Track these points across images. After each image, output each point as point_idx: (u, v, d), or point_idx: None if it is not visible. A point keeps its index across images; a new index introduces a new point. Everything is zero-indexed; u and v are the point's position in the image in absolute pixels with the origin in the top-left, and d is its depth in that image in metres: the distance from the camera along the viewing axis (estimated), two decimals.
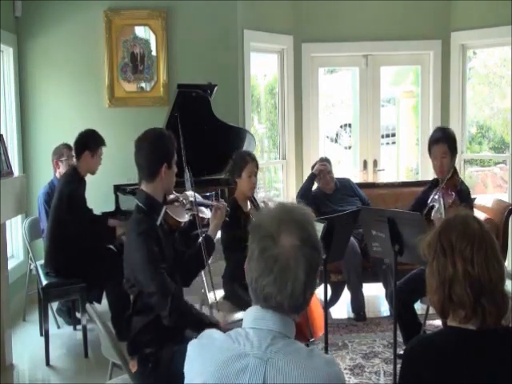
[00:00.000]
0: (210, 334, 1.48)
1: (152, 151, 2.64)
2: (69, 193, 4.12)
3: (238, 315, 3.46)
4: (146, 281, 2.52)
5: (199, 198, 3.13)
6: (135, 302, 2.65)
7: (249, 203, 3.87)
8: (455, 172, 3.85)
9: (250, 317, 1.44)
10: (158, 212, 2.66)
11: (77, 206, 4.16)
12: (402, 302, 3.54)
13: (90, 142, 4.27)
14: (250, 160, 3.86)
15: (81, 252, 4.17)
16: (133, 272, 2.58)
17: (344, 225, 3.25)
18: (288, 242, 1.40)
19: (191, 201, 3.00)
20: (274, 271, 1.38)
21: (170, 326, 2.57)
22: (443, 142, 3.84)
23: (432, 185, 4.00)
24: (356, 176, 6.17)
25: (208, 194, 3.94)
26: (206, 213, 3.12)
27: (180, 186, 3.24)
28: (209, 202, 3.10)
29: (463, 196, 3.70)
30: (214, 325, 2.59)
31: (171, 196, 2.96)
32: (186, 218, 3.00)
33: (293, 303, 1.41)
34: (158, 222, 2.66)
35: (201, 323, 2.59)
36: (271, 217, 1.45)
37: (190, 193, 3.14)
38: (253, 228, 1.47)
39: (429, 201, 3.76)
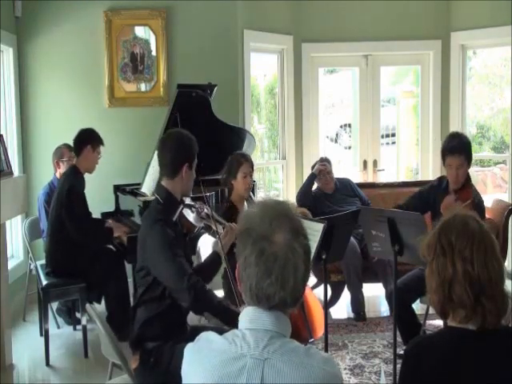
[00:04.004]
0: (207, 336, 1.47)
1: (176, 149, 2.72)
2: (68, 187, 4.12)
3: None
4: (165, 262, 2.54)
5: (215, 215, 3.15)
6: (143, 293, 2.67)
7: (246, 204, 3.86)
8: (469, 179, 3.77)
9: (246, 318, 1.44)
10: (174, 208, 2.73)
11: (76, 200, 4.15)
12: (400, 302, 3.53)
13: (91, 138, 4.30)
14: (244, 161, 3.88)
15: (81, 252, 4.18)
16: (149, 259, 2.60)
17: (344, 225, 3.25)
18: (282, 237, 1.40)
19: (206, 212, 3.04)
20: (274, 270, 1.38)
21: (190, 306, 2.58)
22: (460, 152, 3.67)
23: (439, 186, 3.90)
24: (356, 176, 6.17)
25: (208, 194, 3.93)
26: (220, 228, 3.14)
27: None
28: (223, 221, 3.11)
29: (479, 210, 3.49)
30: (230, 314, 2.58)
31: (189, 201, 2.99)
32: (200, 224, 3.03)
33: (295, 296, 1.42)
34: (174, 218, 2.72)
35: (221, 308, 2.60)
36: (259, 217, 1.43)
37: (206, 207, 3.17)
38: (241, 234, 1.44)
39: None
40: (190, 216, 2.97)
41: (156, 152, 4.40)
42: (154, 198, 2.80)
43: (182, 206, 2.80)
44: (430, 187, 4.00)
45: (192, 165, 2.75)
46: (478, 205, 3.62)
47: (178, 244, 2.64)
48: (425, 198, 3.93)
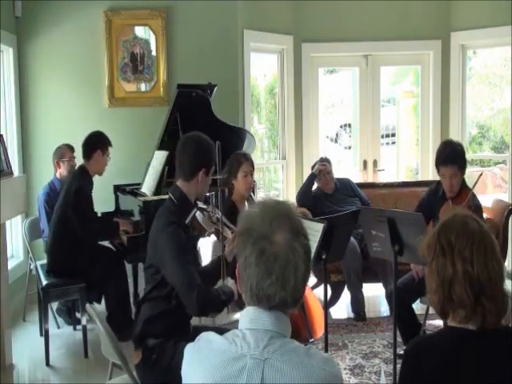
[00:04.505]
0: (207, 336, 1.47)
1: (197, 152, 2.72)
2: (76, 188, 4.14)
3: (238, 315, 3.46)
4: (176, 268, 2.55)
5: (225, 219, 3.16)
6: (151, 290, 2.68)
7: (246, 204, 3.86)
8: (465, 185, 3.76)
9: (246, 318, 1.44)
10: (188, 210, 2.74)
11: (84, 201, 4.16)
12: (400, 302, 3.53)
13: (101, 142, 4.33)
14: (244, 160, 3.88)
15: (81, 252, 4.18)
16: (160, 260, 2.61)
17: (344, 225, 3.25)
18: (282, 237, 1.39)
19: (217, 217, 3.04)
20: (275, 270, 1.38)
21: (196, 314, 2.64)
22: (452, 162, 3.66)
23: (437, 192, 3.89)
24: (356, 176, 6.17)
25: (208, 194, 3.93)
26: (228, 233, 3.14)
27: None
28: (232, 226, 3.12)
29: (477, 214, 3.51)
30: (230, 298, 2.66)
31: (201, 204, 2.99)
32: (210, 228, 3.03)
33: (295, 296, 1.41)
34: (187, 221, 2.73)
35: (220, 303, 2.66)
36: (259, 217, 1.43)
37: (217, 211, 3.17)
38: (242, 234, 1.44)
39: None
40: (202, 219, 2.97)
41: (155, 152, 4.42)
42: (167, 197, 2.80)
43: (195, 210, 2.80)
44: (429, 193, 4.00)
45: (209, 171, 2.75)
46: (475, 210, 3.60)
47: (189, 249, 2.65)
48: (426, 206, 3.91)
